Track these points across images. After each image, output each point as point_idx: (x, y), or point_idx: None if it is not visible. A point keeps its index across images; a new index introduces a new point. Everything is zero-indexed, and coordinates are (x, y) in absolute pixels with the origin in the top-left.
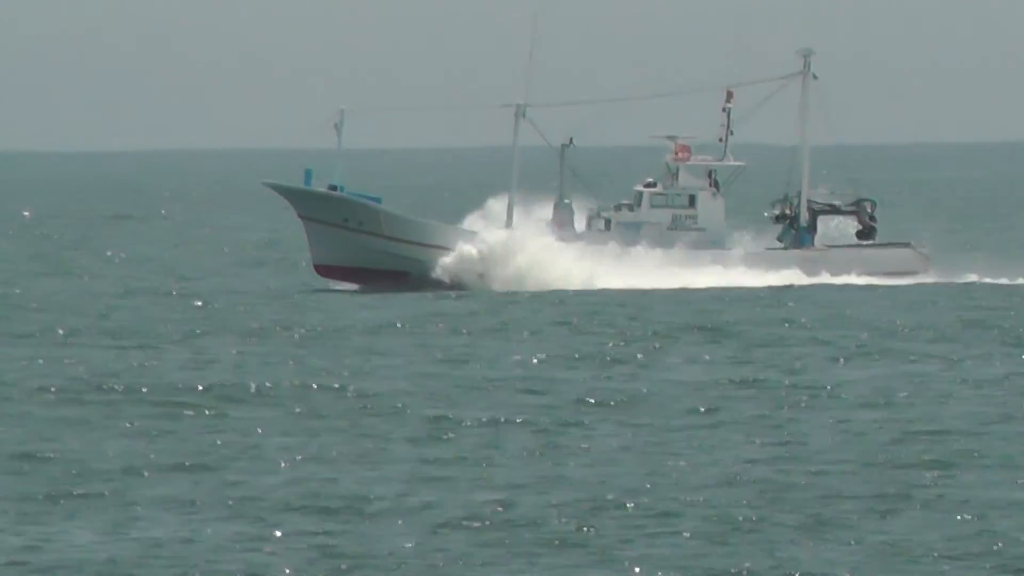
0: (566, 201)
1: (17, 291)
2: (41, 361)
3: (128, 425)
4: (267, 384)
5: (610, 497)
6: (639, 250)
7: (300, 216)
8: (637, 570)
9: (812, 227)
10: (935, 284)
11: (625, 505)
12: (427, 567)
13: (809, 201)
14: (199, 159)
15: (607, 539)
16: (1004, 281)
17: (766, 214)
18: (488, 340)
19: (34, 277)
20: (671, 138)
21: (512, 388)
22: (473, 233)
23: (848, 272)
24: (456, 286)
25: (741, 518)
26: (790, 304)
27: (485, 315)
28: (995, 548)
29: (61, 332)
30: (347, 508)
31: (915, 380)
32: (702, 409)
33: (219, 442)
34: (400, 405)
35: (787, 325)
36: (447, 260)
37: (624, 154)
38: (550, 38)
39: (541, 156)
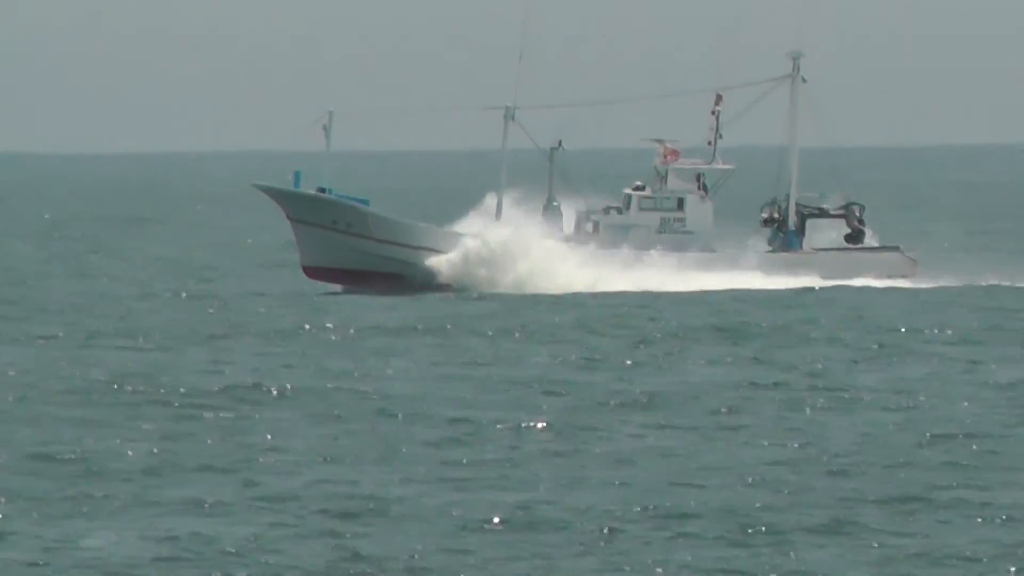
0: (555, 204)
1: (37, 293)
2: (61, 363)
3: (148, 427)
4: (287, 386)
5: (631, 499)
6: (654, 255)
7: (289, 218)
8: (659, 571)
9: (801, 231)
10: (958, 287)
11: (646, 507)
12: (447, 570)
13: (797, 205)
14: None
15: (628, 542)
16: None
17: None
18: (508, 342)
19: (53, 279)
20: (659, 141)
21: (532, 390)
22: (463, 235)
23: (836, 276)
24: (454, 288)
25: (762, 521)
26: (809, 306)
27: (505, 317)
28: (1019, 553)
29: (81, 334)
30: (367, 510)
31: (936, 382)
32: (723, 411)
33: (239, 444)
34: (420, 407)
35: (807, 326)
36: (444, 261)
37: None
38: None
39: (530, 159)
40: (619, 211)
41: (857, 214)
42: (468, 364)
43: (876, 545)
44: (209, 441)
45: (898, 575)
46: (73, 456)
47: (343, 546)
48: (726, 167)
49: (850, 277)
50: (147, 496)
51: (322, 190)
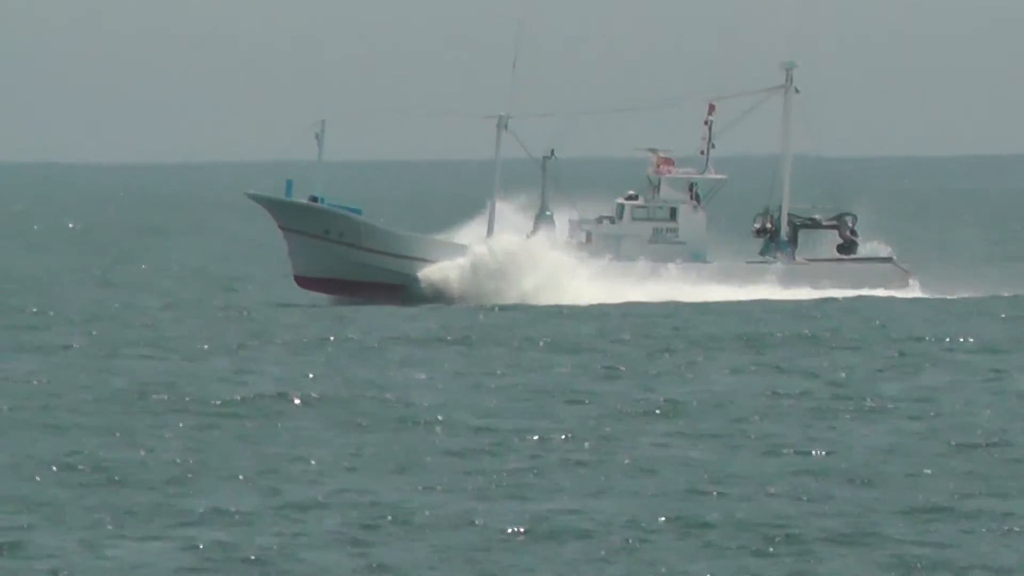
0: (548, 213)
1: (61, 302)
2: (85, 372)
3: (171, 436)
4: (311, 395)
5: (654, 508)
6: (672, 267)
7: (281, 227)
8: None
9: (793, 240)
10: (981, 297)
11: (669, 516)
12: None
13: (790, 215)
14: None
15: (650, 551)
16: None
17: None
18: (532, 351)
19: (79, 288)
20: (652, 151)
21: (555, 399)
22: (457, 246)
23: (828, 286)
24: (451, 299)
25: (784, 530)
26: (832, 315)
27: (528, 326)
28: None
29: (105, 343)
30: (390, 519)
31: (959, 391)
32: (746, 420)
33: (263, 453)
34: (444, 416)
35: (830, 335)
36: (449, 273)
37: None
38: (533, 49)
39: (523, 168)
40: (612, 221)
41: (850, 224)
42: (491, 374)
43: (898, 554)
44: (233, 450)
45: None
46: (96, 465)
47: (366, 554)
48: (719, 177)
49: (842, 288)
50: (171, 505)
51: (314, 199)
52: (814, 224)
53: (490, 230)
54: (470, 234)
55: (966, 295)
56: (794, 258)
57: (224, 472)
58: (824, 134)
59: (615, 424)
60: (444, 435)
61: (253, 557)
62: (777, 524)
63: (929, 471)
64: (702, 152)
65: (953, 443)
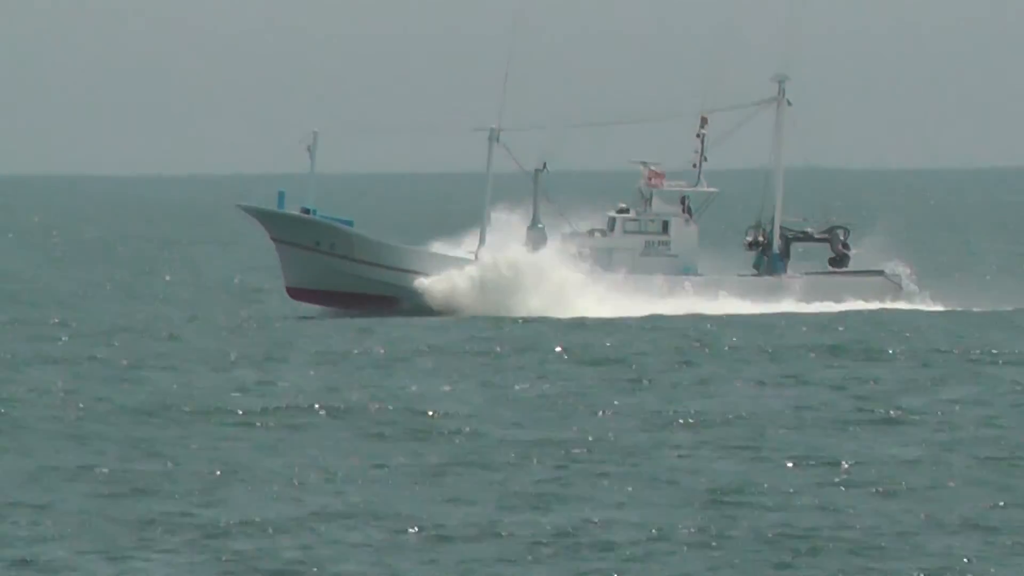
0: (539, 225)
1: (85, 314)
2: (109, 383)
3: (195, 447)
4: (336, 406)
5: (677, 520)
6: (687, 285)
7: (273, 239)
8: None
9: (785, 254)
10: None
11: (692, 528)
12: None
13: (782, 228)
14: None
15: (674, 564)
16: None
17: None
18: (556, 363)
19: (102, 300)
20: (644, 163)
21: (579, 411)
22: (451, 258)
23: (820, 299)
24: (448, 311)
25: (808, 543)
26: (855, 327)
27: (552, 338)
28: None
29: (129, 355)
30: (416, 530)
31: (984, 404)
32: (769, 431)
33: (287, 464)
34: (469, 428)
35: (855, 348)
36: (452, 284)
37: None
38: (524, 62)
39: (514, 181)
40: (603, 234)
41: (842, 238)
42: (516, 385)
43: (924, 567)
44: (257, 461)
45: None
46: (120, 476)
47: (391, 565)
48: (711, 190)
49: (834, 301)
50: (194, 515)
51: (306, 211)
52: (806, 237)
53: (482, 241)
54: (464, 246)
55: (987, 308)
56: (786, 271)
57: (248, 483)
58: (817, 146)
59: (638, 435)
60: (469, 446)
61: (277, 568)
62: (801, 536)
63: (954, 484)
64: (694, 165)
65: (978, 456)
